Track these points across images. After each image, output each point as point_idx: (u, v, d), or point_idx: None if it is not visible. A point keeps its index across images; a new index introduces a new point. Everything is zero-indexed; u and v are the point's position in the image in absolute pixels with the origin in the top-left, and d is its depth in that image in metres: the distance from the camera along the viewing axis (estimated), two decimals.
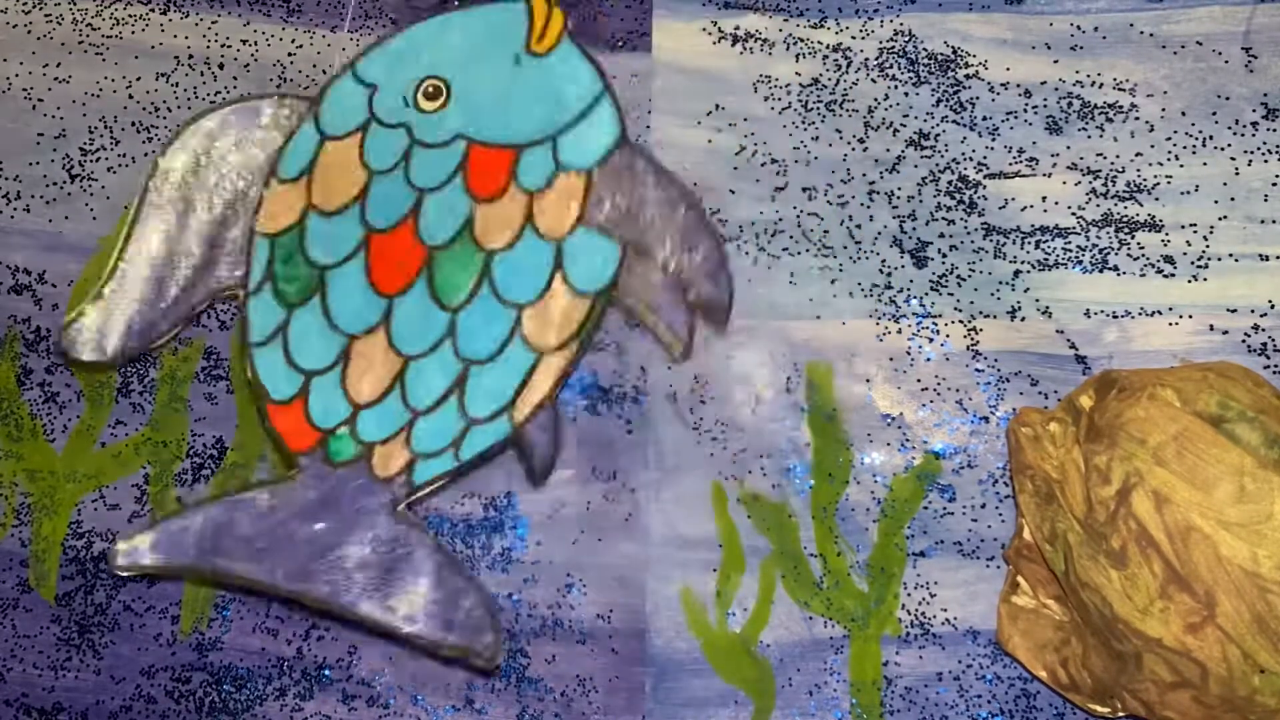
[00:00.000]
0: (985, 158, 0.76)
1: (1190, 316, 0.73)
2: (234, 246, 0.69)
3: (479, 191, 0.67)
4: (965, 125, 0.76)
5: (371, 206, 0.68)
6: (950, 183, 0.76)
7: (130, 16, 0.80)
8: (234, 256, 0.69)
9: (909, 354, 0.74)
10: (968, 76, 0.77)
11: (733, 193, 0.76)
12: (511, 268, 0.67)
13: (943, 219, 0.75)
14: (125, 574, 0.68)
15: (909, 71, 0.77)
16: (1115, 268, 0.74)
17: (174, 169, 0.69)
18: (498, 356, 0.67)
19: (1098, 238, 0.74)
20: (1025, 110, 0.76)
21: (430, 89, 0.68)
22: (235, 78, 0.79)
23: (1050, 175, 0.75)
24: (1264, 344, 0.72)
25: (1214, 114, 0.75)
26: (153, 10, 0.80)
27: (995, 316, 0.74)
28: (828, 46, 0.78)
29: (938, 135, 0.76)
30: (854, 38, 0.78)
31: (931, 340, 0.74)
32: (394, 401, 0.66)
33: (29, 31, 0.80)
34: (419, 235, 0.67)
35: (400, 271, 0.67)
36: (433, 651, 0.67)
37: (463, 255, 0.67)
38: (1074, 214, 0.75)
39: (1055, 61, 0.77)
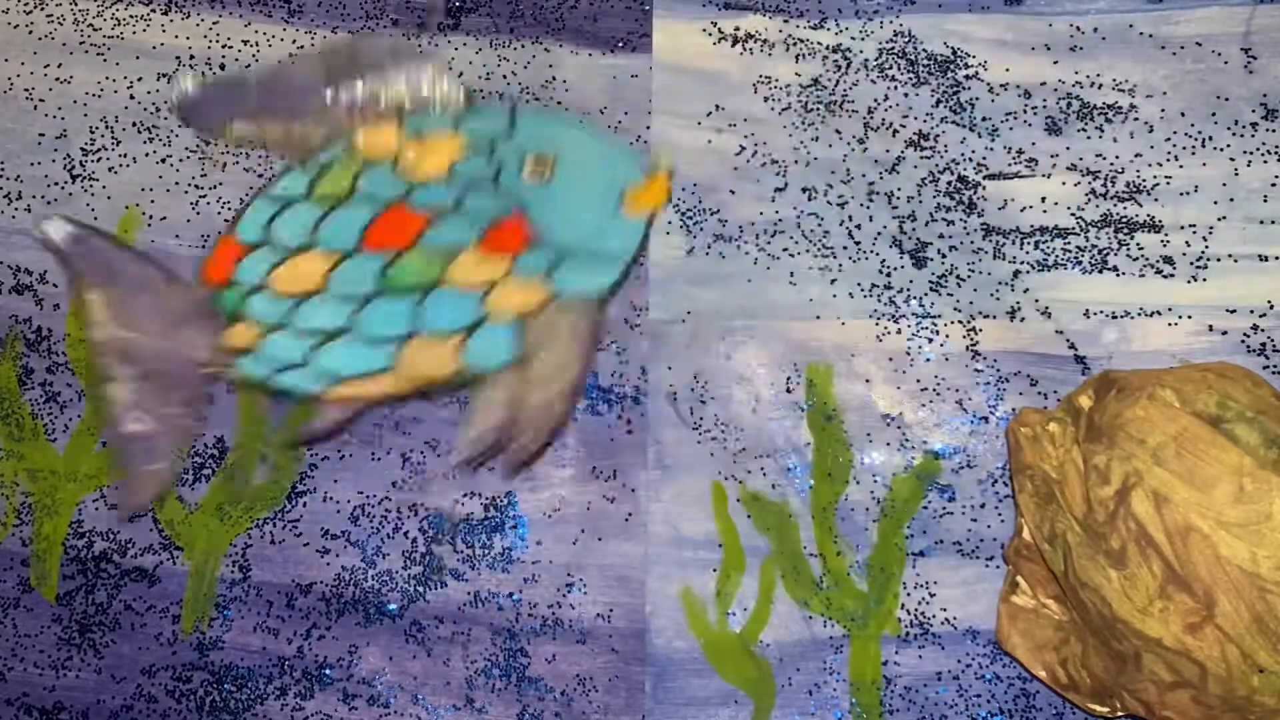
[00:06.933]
0: (985, 158, 0.76)
1: (1189, 317, 0.73)
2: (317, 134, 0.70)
3: (485, 245, 0.68)
4: (965, 126, 0.76)
5: (424, 189, 0.68)
6: (950, 183, 0.76)
7: (131, 17, 0.80)
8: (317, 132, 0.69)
9: (908, 354, 0.74)
10: (967, 77, 0.77)
11: (733, 193, 0.76)
12: (442, 303, 0.67)
13: (942, 219, 0.75)
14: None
15: (909, 72, 0.77)
16: (1115, 268, 0.74)
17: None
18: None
19: (1097, 238, 0.74)
20: (1025, 111, 0.76)
21: (539, 169, 0.68)
22: None
23: (1050, 176, 0.75)
24: (1263, 344, 0.72)
25: (1213, 115, 0.75)
26: (154, 10, 0.80)
27: (995, 317, 0.74)
28: (827, 47, 0.78)
29: (937, 136, 0.76)
30: (854, 38, 0.78)
31: (931, 340, 0.74)
32: (289, 305, 0.68)
33: (30, 31, 0.80)
34: (422, 232, 0.67)
35: (390, 239, 0.68)
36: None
37: (423, 266, 0.68)
38: (1073, 215, 0.75)
39: (1055, 62, 0.77)
